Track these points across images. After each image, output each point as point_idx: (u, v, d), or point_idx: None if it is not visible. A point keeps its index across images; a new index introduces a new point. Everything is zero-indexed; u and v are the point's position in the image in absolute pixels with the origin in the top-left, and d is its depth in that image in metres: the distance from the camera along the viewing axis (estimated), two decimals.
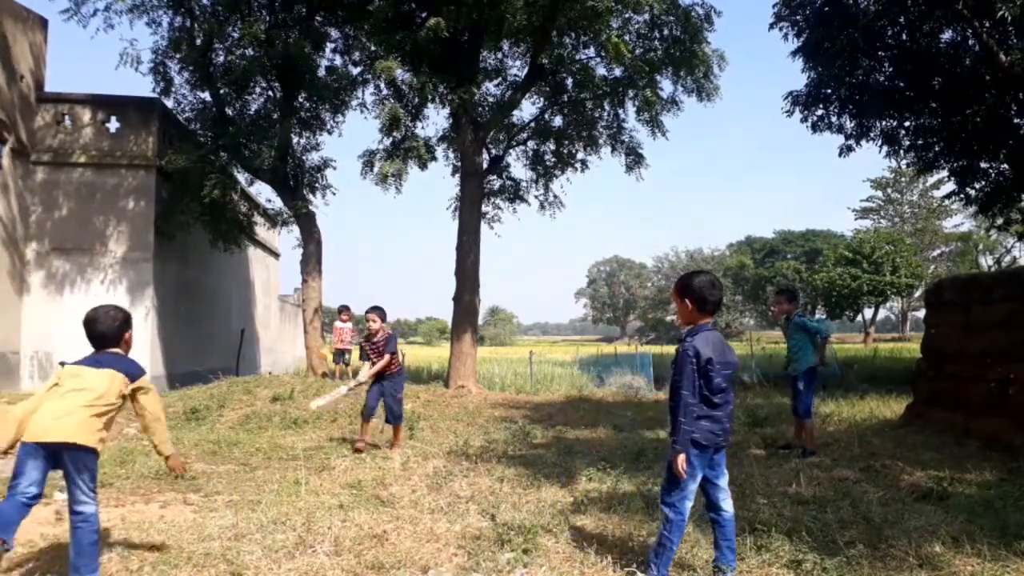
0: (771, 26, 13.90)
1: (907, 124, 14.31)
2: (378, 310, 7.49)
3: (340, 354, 14.11)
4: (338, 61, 15.65)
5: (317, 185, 15.33)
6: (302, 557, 3.79)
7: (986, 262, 55.39)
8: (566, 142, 16.26)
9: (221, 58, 14.43)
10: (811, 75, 13.77)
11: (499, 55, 15.46)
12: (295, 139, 14.82)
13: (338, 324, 14.22)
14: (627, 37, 13.72)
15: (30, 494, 3.20)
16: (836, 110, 14.06)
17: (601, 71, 14.66)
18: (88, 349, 3.54)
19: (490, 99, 15.59)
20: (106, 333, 3.48)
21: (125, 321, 3.57)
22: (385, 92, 14.54)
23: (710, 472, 3.45)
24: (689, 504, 3.39)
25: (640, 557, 3.73)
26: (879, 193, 66.11)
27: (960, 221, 55.51)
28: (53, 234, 13.99)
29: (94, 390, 3.31)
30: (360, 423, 7.63)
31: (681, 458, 3.27)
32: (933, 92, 13.24)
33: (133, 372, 3.45)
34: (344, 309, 14.52)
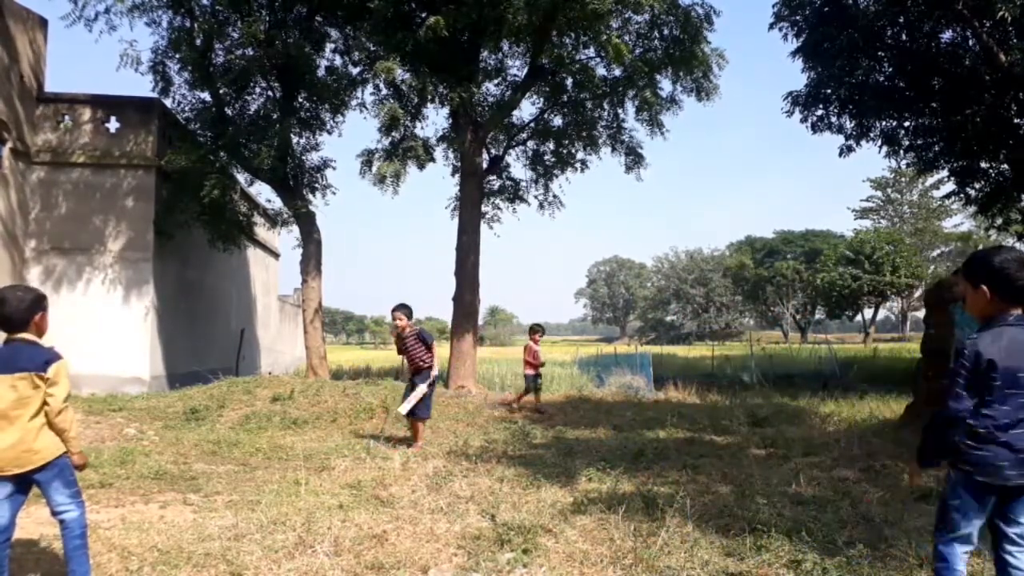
0: (771, 26, 13.92)
1: (907, 124, 14.32)
2: (403, 308, 7.67)
3: (535, 377, 11.36)
4: (338, 61, 15.66)
5: (317, 185, 15.34)
6: (302, 557, 3.79)
7: None
8: (566, 142, 16.26)
9: (221, 58, 14.41)
10: (811, 75, 13.79)
11: (499, 55, 15.45)
12: (295, 139, 14.80)
13: (531, 345, 11.54)
14: (627, 37, 13.73)
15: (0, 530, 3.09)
16: (836, 110, 14.07)
17: (601, 71, 14.66)
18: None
19: (490, 99, 15.59)
20: (13, 315, 3.09)
21: (35, 302, 3.16)
22: (385, 92, 14.54)
23: (1001, 519, 2.67)
24: (960, 552, 2.68)
25: (639, 557, 3.72)
26: (879, 193, 66.21)
27: (960, 221, 55.59)
28: (52, 233, 13.98)
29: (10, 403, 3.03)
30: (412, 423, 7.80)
31: (911, 468, 2.95)
32: (933, 92, 13.24)
33: (45, 360, 3.07)
34: (537, 328, 11.92)
